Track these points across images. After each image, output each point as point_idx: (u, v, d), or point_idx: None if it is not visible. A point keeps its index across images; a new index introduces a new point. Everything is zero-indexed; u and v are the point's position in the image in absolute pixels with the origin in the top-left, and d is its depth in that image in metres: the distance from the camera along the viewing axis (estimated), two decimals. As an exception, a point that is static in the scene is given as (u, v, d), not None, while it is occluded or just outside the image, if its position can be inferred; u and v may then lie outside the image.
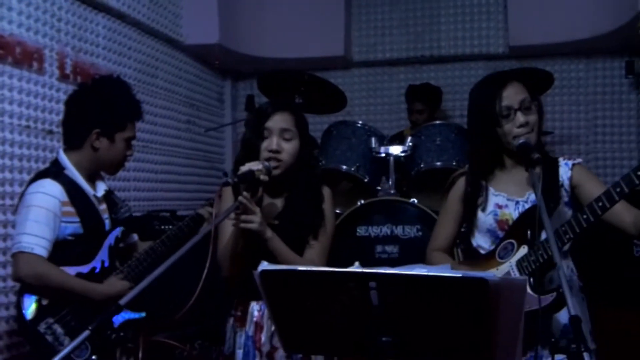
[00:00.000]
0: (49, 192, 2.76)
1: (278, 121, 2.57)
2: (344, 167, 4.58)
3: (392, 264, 1.77)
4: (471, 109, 2.66)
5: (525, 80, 2.56)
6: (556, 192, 2.50)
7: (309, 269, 1.83)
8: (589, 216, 2.26)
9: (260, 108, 2.70)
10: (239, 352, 2.58)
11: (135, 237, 3.19)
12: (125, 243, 3.09)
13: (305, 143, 2.65)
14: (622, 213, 2.38)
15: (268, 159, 2.52)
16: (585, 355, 1.57)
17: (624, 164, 5.94)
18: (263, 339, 2.55)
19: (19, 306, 2.75)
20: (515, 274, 2.40)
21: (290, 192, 2.64)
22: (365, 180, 4.60)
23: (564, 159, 2.57)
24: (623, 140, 5.98)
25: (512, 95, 2.49)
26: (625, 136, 5.97)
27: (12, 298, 3.41)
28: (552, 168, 2.55)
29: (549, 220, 2.09)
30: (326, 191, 2.69)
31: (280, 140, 2.55)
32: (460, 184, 2.69)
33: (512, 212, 2.54)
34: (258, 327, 2.56)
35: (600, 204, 2.23)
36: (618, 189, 2.20)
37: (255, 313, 2.57)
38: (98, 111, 2.87)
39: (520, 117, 2.47)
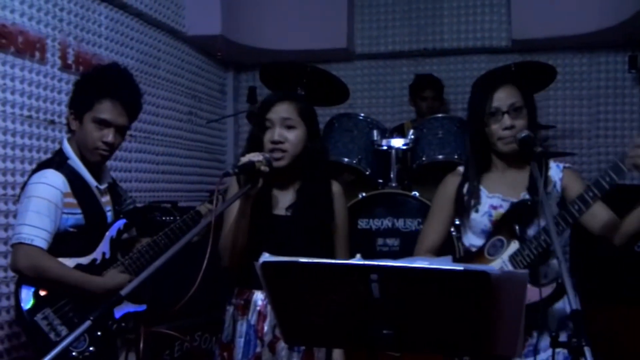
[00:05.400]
0: (51, 182, 2.73)
1: (279, 111, 2.54)
2: (346, 159, 4.58)
3: (393, 257, 1.77)
4: (468, 105, 2.68)
5: (523, 81, 2.57)
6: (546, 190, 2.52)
7: (310, 261, 1.82)
8: (581, 206, 2.31)
9: (262, 101, 2.68)
10: (240, 340, 2.56)
11: (134, 231, 3.14)
12: (128, 235, 3.06)
13: (312, 132, 2.59)
14: (598, 213, 2.44)
15: (272, 151, 2.49)
16: (587, 350, 1.57)
17: (626, 159, 5.92)
18: (266, 328, 2.53)
19: (17, 297, 2.74)
20: (509, 268, 2.40)
21: (302, 184, 2.60)
22: (367, 173, 4.60)
23: (555, 162, 2.61)
24: (625, 135, 5.94)
25: (502, 97, 2.51)
26: (628, 131, 5.94)
27: (13, 288, 3.41)
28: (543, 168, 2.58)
29: (552, 214, 2.11)
30: (336, 186, 2.65)
31: (282, 130, 2.51)
32: (449, 183, 2.70)
33: None
34: (261, 316, 2.54)
35: (591, 193, 2.29)
36: (607, 178, 2.26)
37: (259, 302, 2.56)
38: (73, 92, 2.86)
39: (506, 120, 2.49)
